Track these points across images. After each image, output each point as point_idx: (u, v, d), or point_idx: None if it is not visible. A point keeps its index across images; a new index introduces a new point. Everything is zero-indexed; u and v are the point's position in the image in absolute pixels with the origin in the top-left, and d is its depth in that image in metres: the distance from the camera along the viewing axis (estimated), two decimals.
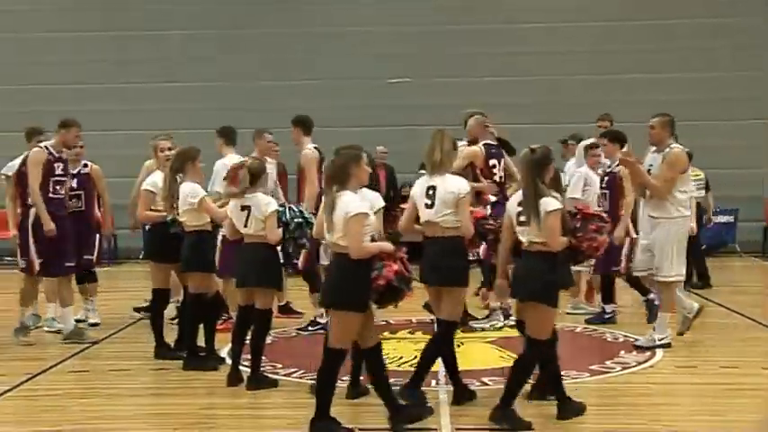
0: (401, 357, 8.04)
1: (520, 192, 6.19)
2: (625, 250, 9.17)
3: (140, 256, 9.63)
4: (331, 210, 5.74)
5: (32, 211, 8.72)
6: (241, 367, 7.18)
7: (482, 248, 8.66)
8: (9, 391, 7.11)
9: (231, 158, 8.93)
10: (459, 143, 7.85)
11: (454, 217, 6.34)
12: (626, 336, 8.74)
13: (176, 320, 8.67)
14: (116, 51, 16.25)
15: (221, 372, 7.40)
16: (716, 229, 15.29)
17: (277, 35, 16.25)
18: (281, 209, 7.16)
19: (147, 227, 8.53)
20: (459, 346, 8.34)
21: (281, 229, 7.08)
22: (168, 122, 12.93)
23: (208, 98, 15.73)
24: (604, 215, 6.49)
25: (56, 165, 8.81)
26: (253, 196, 7.06)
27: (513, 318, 9.29)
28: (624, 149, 8.70)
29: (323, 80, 15.98)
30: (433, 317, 8.99)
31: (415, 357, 7.92)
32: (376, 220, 6.10)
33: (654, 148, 8.22)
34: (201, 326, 7.79)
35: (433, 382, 7.05)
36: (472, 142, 9.23)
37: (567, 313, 9.73)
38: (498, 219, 6.67)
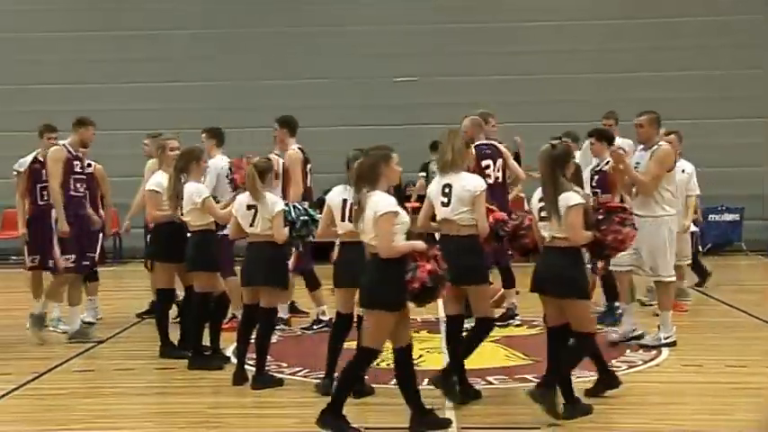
0: None
1: (541, 188, 6.23)
2: None
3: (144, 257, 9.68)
4: (361, 210, 5.76)
5: (54, 209, 8.73)
6: (246, 366, 7.18)
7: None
8: (15, 390, 7.13)
9: (221, 159, 8.95)
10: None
11: (470, 215, 6.38)
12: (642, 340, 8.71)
13: (177, 319, 8.69)
14: (118, 51, 16.24)
15: (226, 371, 7.41)
16: (722, 227, 15.28)
17: (279, 34, 16.24)
18: (286, 208, 7.16)
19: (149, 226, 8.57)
20: None
21: (287, 228, 7.08)
22: (171, 122, 12.95)
23: (210, 97, 15.73)
24: (627, 207, 6.48)
25: (75, 163, 8.85)
26: (262, 195, 7.05)
27: (518, 317, 9.34)
28: (614, 147, 8.61)
29: (326, 79, 15.97)
30: (436, 316, 9.05)
31: (421, 356, 7.96)
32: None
33: (641, 147, 8.20)
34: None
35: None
36: (468, 142, 9.24)
37: None
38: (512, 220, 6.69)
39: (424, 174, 14.23)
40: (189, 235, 7.77)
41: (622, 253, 7.77)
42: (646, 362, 7.71)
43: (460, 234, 6.33)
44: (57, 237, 8.72)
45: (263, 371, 7.09)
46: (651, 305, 9.68)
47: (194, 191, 7.59)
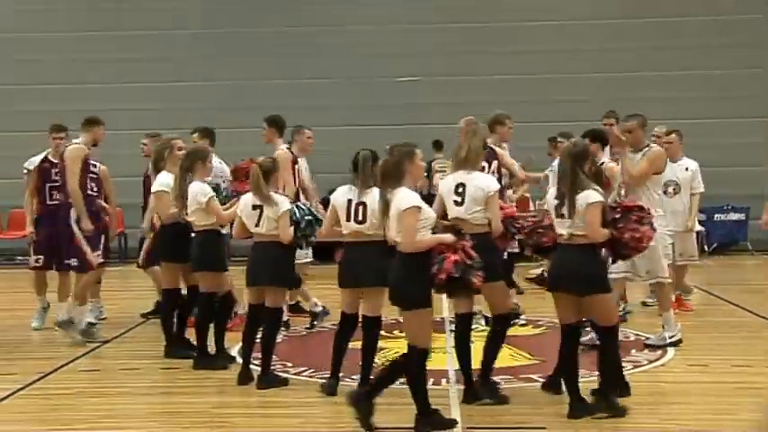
0: None
1: (559, 185, 6.27)
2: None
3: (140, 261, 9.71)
4: (387, 208, 5.78)
5: (74, 209, 8.72)
6: (251, 366, 7.18)
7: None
8: (21, 389, 7.13)
9: (214, 158, 8.96)
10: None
11: (483, 214, 6.40)
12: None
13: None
14: (120, 51, 16.25)
15: (232, 371, 7.41)
16: (727, 226, 15.25)
17: (280, 34, 16.25)
18: (290, 208, 7.15)
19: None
20: None
21: (291, 228, 7.08)
22: (172, 122, 12.96)
23: (211, 97, 15.74)
24: (645, 206, 6.50)
25: (89, 162, 8.88)
26: (268, 195, 7.04)
27: (523, 317, 9.33)
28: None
29: (327, 79, 15.98)
30: (441, 316, 9.04)
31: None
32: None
33: (629, 151, 8.09)
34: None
35: (444, 381, 7.04)
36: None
37: None
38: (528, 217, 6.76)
39: (425, 173, 14.26)
40: (193, 235, 7.78)
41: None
42: (651, 362, 7.70)
43: (473, 233, 6.34)
44: (82, 235, 8.70)
45: (269, 371, 7.09)
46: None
47: (199, 191, 7.59)
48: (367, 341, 6.77)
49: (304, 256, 9.31)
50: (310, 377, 7.34)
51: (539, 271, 10.26)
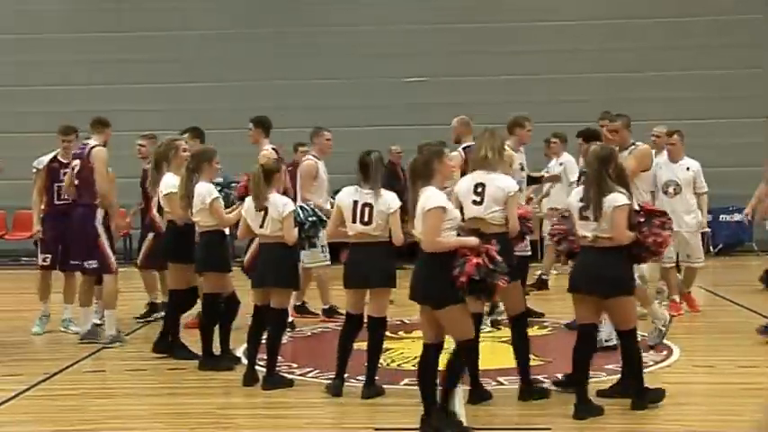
0: (416, 357, 7.96)
1: (581, 187, 6.32)
2: None
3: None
4: (414, 206, 5.81)
5: (99, 210, 8.71)
6: (257, 367, 7.19)
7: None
8: (27, 390, 7.14)
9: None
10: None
11: (502, 214, 6.42)
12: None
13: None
14: (124, 52, 16.27)
15: (237, 372, 7.41)
16: (732, 227, 15.22)
17: (291, 35, 16.26)
18: (295, 209, 7.15)
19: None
20: None
21: (296, 229, 7.08)
22: (176, 123, 12.94)
23: (221, 98, 15.76)
24: (666, 211, 6.55)
25: None
26: (269, 197, 7.05)
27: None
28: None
29: (333, 80, 15.98)
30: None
31: None
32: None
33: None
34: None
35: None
36: (455, 143, 9.30)
37: None
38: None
39: None
40: (198, 235, 7.79)
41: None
42: (657, 362, 7.68)
43: (490, 232, 6.35)
44: (105, 235, 8.69)
45: (274, 371, 7.09)
46: (663, 305, 9.65)
47: (205, 191, 7.60)
48: (372, 342, 6.78)
49: (324, 258, 9.32)
50: (315, 378, 7.35)
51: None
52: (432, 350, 5.94)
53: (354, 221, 6.67)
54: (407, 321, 9.51)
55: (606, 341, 7.69)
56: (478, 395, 6.57)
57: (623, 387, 6.55)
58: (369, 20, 16.21)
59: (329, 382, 6.93)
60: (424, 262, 5.79)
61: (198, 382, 7.37)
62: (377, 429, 6.05)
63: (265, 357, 7.10)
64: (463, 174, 8.83)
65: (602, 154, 6.22)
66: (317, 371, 7.51)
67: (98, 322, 9.39)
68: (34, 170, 9.43)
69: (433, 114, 15.38)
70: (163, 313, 9.71)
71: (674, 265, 9.55)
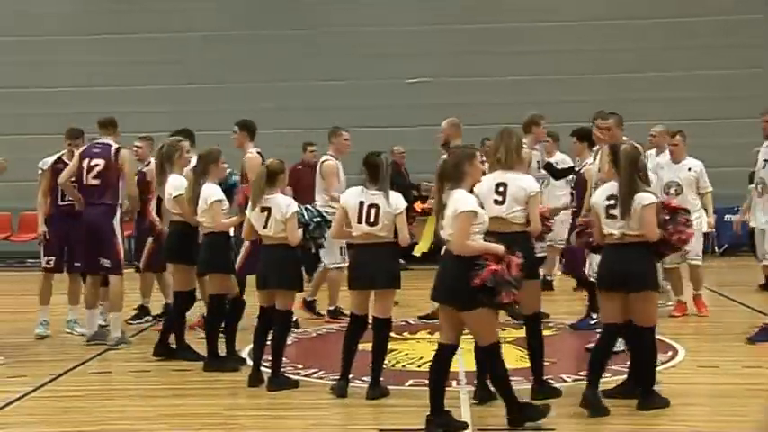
0: (421, 357, 8.03)
1: (607, 185, 6.38)
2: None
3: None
4: (443, 208, 5.81)
5: (118, 211, 8.76)
6: (262, 368, 7.19)
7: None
8: (32, 391, 7.15)
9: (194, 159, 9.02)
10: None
11: (523, 213, 6.45)
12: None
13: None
14: (129, 54, 16.29)
15: (242, 373, 7.41)
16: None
17: (293, 36, 16.28)
18: (299, 210, 7.15)
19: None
20: None
21: (300, 230, 7.08)
22: (182, 124, 12.95)
23: (223, 99, 15.76)
24: (688, 209, 6.65)
25: None
26: (272, 197, 7.05)
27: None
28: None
29: (338, 81, 15.98)
30: None
31: None
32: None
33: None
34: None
35: (454, 383, 7.03)
36: (443, 144, 9.33)
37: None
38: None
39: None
40: (202, 236, 7.80)
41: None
42: (662, 363, 7.66)
43: (511, 231, 6.36)
44: (120, 237, 8.71)
45: (279, 373, 7.09)
46: (668, 306, 9.65)
47: (208, 193, 7.61)
48: (377, 343, 6.77)
49: (342, 260, 9.33)
50: (321, 379, 7.35)
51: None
52: (446, 350, 5.96)
53: (360, 222, 6.68)
54: (412, 322, 9.52)
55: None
56: (485, 395, 6.57)
57: (627, 388, 6.55)
58: (370, 21, 16.22)
59: (334, 382, 6.93)
60: (451, 264, 5.80)
61: (203, 383, 7.37)
62: (382, 430, 6.06)
63: (270, 358, 7.10)
64: None
65: (633, 154, 6.28)
66: (323, 372, 7.51)
67: (103, 323, 9.40)
68: (39, 171, 9.43)
69: (436, 115, 15.35)
70: (150, 317, 9.77)
71: (677, 265, 9.53)
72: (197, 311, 8.69)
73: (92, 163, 8.72)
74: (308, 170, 12.62)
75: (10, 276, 14.50)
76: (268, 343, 7.18)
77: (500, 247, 5.75)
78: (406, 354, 8.18)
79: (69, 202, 9.08)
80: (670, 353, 7.95)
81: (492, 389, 6.62)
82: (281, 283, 7.08)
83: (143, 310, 9.94)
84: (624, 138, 8.05)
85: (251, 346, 7.40)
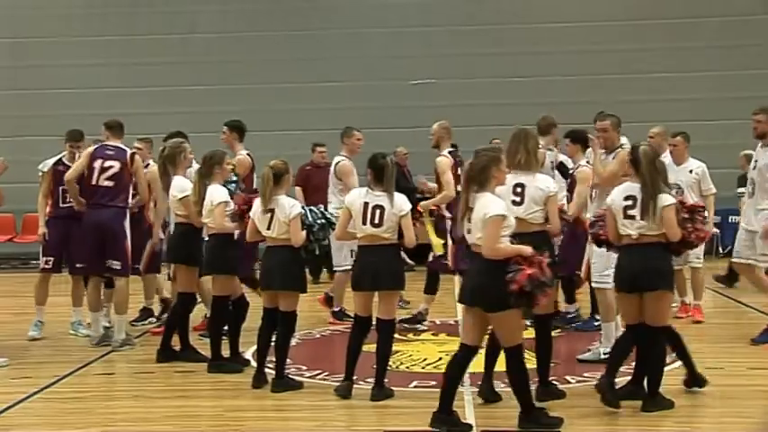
0: (425, 359, 8.03)
1: (624, 185, 6.42)
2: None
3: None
4: (470, 211, 5.82)
5: (128, 214, 8.78)
6: (266, 370, 7.19)
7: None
8: (36, 393, 7.15)
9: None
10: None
11: (542, 214, 6.47)
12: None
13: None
14: (134, 55, 16.31)
15: (246, 374, 7.41)
16: None
17: (299, 37, 16.28)
18: (303, 211, 7.15)
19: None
20: (482, 347, 8.35)
21: (304, 232, 7.08)
22: (187, 125, 12.97)
23: (229, 101, 15.75)
24: (704, 206, 6.74)
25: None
26: (276, 199, 7.05)
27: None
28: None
29: (343, 82, 15.99)
30: (455, 319, 9.03)
31: (440, 359, 7.95)
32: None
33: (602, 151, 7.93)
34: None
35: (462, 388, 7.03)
36: (434, 147, 9.36)
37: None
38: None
39: None
40: (206, 238, 7.80)
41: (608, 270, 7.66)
42: (667, 364, 7.63)
43: (530, 231, 6.37)
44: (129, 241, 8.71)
45: (283, 374, 7.09)
46: (673, 308, 9.61)
47: (213, 195, 7.61)
48: (381, 344, 6.77)
49: (350, 263, 9.32)
50: (325, 380, 7.34)
51: None
52: (467, 351, 6.00)
53: (365, 223, 6.68)
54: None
55: (605, 354, 7.67)
56: (490, 395, 6.57)
57: (629, 391, 6.52)
58: (376, 22, 16.23)
59: (338, 384, 6.92)
60: (478, 266, 5.82)
61: (207, 384, 7.38)
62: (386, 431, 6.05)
63: (274, 360, 7.10)
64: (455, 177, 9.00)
65: (652, 155, 6.33)
66: (327, 373, 7.50)
67: (107, 325, 9.40)
68: (39, 173, 9.41)
69: (440, 116, 15.35)
70: (154, 319, 9.76)
71: (681, 267, 9.52)
72: (198, 314, 8.70)
73: (105, 164, 8.65)
74: (317, 170, 12.65)
75: (13, 278, 14.52)
76: (272, 344, 7.17)
77: (528, 249, 5.79)
78: (410, 355, 8.18)
79: (70, 204, 9.05)
80: (675, 354, 7.92)
81: (496, 390, 6.65)
82: (285, 284, 7.07)
83: (146, 312, 9.94)
84: (623, 139, 8.07)
85: (255, 347, 7.39)
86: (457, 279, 13.28)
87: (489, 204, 5.79)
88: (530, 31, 16.12)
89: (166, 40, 16.38)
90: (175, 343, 8.15)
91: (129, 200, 8.82)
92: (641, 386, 6.46)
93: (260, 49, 16.25)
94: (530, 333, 6.77)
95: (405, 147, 14.66)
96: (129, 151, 8.84)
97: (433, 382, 7.13)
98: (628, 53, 15.85)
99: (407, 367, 7.78)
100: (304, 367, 7.71)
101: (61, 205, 9.15)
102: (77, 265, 9.05)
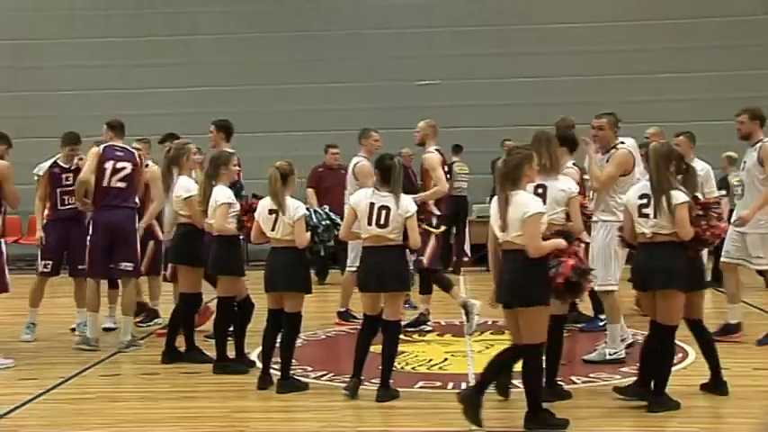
0: (430, 360, 8.04)
1: (640, 184, 6.43)
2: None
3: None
4: (505, 209, 5.83)
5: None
6: (271, 371, 7.19)
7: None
8: (42, 394, 7.16)
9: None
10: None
11: (563, 214, 6.51)
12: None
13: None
14: (140, 56, 16.33)
15: (251, 375, 7.42)
16: None
17: (303, 38, 16.30)
18: (307, 213, 7.15)
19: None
20: (487, 348, 8.36)
21: (308, 233, 7.08)
22: (191, 127, 13.00)
23: (233, 102, 15.78)
24: (719, 201, 6.67)
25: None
26: (282, 199, 7.05)
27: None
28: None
29: (348, 83, 16.00)
30: (460, 320, 9.03)
31: (445, 360, 7.96)
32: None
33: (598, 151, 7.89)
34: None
35: (464, 385, 7.03)
36: (419, 145, 9.40)
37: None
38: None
39: (447, 176, 14.24)
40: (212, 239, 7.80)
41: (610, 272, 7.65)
42: (673, 365, 7.64)
43: (551, 232, 6.35)
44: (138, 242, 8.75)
45: (289, 375, 7.09)
46: None
47: (218, 195, 7.62)
48: (387, 345, 6.77)
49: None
50: (330, 381, 7.35)
51: None
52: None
53: (370, 224, 6.68)
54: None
55: (610, 355, 7.67)
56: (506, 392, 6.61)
57: (635, 391, 6.52)
58: (378, 23, 16.25)
59: (346, 384, 6.90)
60: (515, 265, 5.84)
61: (212, 385, 7.38)
62: None
63: (280, 361, 7.10)
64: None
65: (663, 152, 6.31)
66: (332, 374, 7.51)
67: (112, 326, 9.43)
68: (35, 177, 9.38)
69: (446, 117, 15.39)
70: (159, 320, 9.75)
71: None
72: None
73: (117, 166, 8.60)
74: (330, 172, 12.66)
75: (19, 279, 14.47)
76: (277, 345, 7.18)
77: (563, 241, 5.87)
78: (416, 356, 8.18)
79: (69, 207, 9.03)
80: (680, 355, 7.92)
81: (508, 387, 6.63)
82: (290, 285, 7.07)
83: (152, 313, 9.95)
84: (630, 141, 8.06)
85: (260, 348, 7.39)
86: (462, 279, 13.38)
87: (527, 203, 5.84)
88: (531, 32, 16.15)
89: (168, 42, 16.39)
90: (180, 344, 8.16)
91: (137, 201, 8.84)
92: (648, 387, 6.46)
93: (261, 50, 16.28)
94: None
95: (410, 147, 14.65)
96: (135, 152, 8.85)
97: (439, 383, 7.15)
98: (629, 53, 15.88)
99: (413, 368, 7.78)
100: (309, 368, 7.71)
101: (59, 208, 9.11)
102: (79, 267, 9.03)
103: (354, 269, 9.40)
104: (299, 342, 7.55)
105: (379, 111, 15.66)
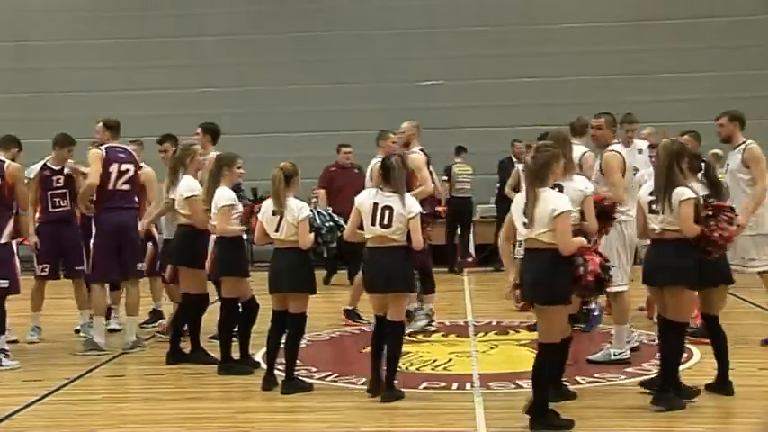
0: (435, 360, 8.03)
1: (652, 181, 6.43)
2: None
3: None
4: (533, 206, 5.85)
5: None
6: (276, 371, 7.20)
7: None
8: (48, 395, 7.17)
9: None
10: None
11: (578, 214, 6.50)
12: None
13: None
14: (146, 57, 16.34)
15: (256, 376, 7.42)
16: None
17: (307, 39, 16.30)
18: (311, 214, 7.15)
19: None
20: (492, 348, 8.37)
21: (312, 234, 7.08)
22: (190, 128, 13.01)
23: (236, 103, 15.80)
24: (733, 206, 6.63)
25: None
26: (286, 200, 7.06)
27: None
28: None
29: (352, 84, 16.00)
30: (465, 320, 9.03)
31: (450, 360, 7.96)
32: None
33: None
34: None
35: (468, 385, 7.03)
36: (404, 146, 9.42)
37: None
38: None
39: (446, 177, 14.26)
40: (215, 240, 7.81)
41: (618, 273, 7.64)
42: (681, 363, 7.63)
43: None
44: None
45: (293, 376, 7.10)
46: None
47: (219, 197, 7.62)
48: (391, 346, 6.77)
49: None
50: (334, 382, 7.35)
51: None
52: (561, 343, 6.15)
53: (374, 224, 6.68)
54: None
55: (615, 355, 7.66)
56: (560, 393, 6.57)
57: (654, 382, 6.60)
58: (381, 24, 16.24)
59: (349, 384, 6.89)
60: (540, 263, 5.84)
61: (217, 386, 7.39)
62: None
63: (284, 362, 7.11)
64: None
65: (673, 148, 6.32)
66: (336, 375, 7.51)
67: (117, 327, 9.43)
68: (26, 180, 9.32)
69: (449, 118, 15.42)
70: (164, 321, 9.75)
71: None
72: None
73: (122, 168, 8.55)
74: (342, 171, 12.68)
75: (23, 280, 14.51)
76: (282, 346, 7.18)
77: (584, 240, 5.94)
78: (421, 356, 8.18)
79: (59, 209, 9.02)
80: (685, 354, 7.91)
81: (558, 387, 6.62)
82: (294, 286, 7.07)
83: (156, 314, 9.95)
84: (615, 140, 8.08)
85: (264, 349, 7.40)
86: (465, 279, 13.37)
87: (555, 201, 5.86)
88: (534, 33, 16.13)
89: (174, 43, 16.40)
90: (185, 346, 8.17)
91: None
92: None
93: (265, 52, 16.28)
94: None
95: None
96: (134, 153, 8.87)
97: (443, 384, 7.15)
98: (630, 54, 15.85)
99: (417, 368, 7.77)
100: (314, 369, 7.72)
101: (50, 210, 9.06)
102: (77, 268, 9.03)
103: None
104: (303, 343, 7.54)
105: (382, 111, 15.63)
